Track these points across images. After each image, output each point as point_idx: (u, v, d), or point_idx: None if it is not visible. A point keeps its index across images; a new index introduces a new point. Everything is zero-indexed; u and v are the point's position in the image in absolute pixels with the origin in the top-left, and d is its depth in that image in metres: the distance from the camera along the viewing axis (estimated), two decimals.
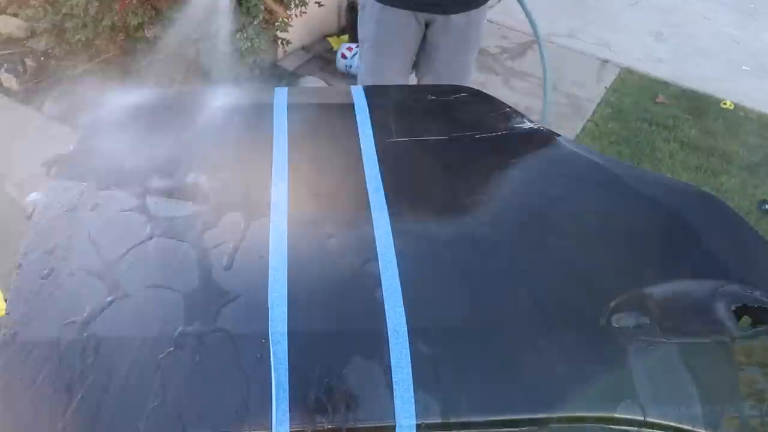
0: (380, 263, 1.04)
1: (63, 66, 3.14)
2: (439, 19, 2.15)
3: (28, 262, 1.02)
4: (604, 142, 3.46)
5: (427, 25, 2.20)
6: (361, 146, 1.29)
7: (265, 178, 1.20)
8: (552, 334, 0.98)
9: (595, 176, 1.30)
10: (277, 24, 3.04)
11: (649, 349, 0.99)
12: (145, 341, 0.92)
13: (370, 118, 1.37)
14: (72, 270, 1.01)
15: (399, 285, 1.01)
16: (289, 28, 3.12)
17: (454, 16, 2.13)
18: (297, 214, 1.13)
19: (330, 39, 3.97)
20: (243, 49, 2.77)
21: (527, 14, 2.32)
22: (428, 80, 2.33)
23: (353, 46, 3.65)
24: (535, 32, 2.38)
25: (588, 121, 3.64)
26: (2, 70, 3.34)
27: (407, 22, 2.15)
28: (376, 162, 1.25)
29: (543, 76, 2.49)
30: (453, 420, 0.90)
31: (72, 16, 2.76)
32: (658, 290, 1.07)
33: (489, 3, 2.21)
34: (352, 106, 1.42)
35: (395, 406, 0.88)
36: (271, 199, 1.15)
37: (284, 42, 3.21)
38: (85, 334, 0.92)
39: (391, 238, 1.08)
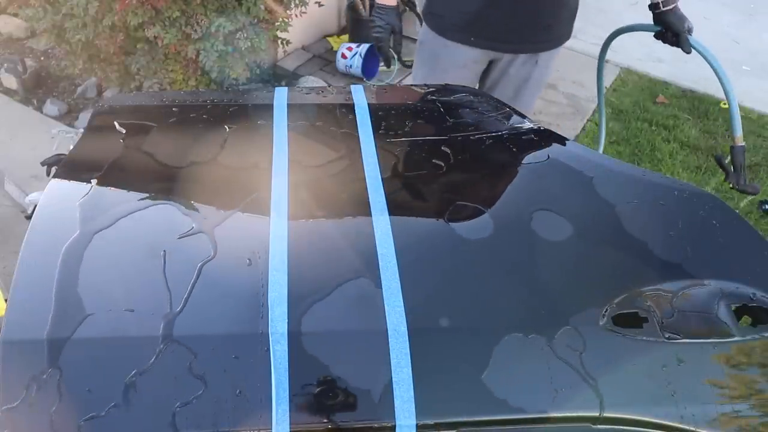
0: (380, 263, 1.04)
1: (63, 66, 3.14)
2: (506, 57, 1.97)
3: (28, 262, 1.02)
4: (603, 141, 3.46)
5: (490, 63, 2.01)
6: (361, 146, 1.29)
7: (265, 178, 1.20)
8: (552, 333, 0.98)
9: (596, 176, 1.29)
10: (277, 24, 3.04)
11: (648, 348, 0.99)
12: (145, 341, 0.92)
13: (371, 117, 1.37)
14: (71, 270, 1.01)
15: (399, 285, 1.01)
16: (289, 28, 3.12)
17: (522, 56, 1.96)
18: (297, 214, 1.13)
19: (330, 39, 3.97)
20: (243, 48, 2.77)
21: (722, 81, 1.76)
22: None
23: (353, 45, 3.65)
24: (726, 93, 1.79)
25: (588, 121, 3.64)
26: (2, 70, 3.35)
27: (472, 59, 1.96)
28: (376, 162, 1.25)
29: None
30: (453, 420, 0.90)
31: (72, 16, 2.76)
32: (659, 290, 1.07)
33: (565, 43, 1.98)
34: (352, 105, 1.42)
35: (395, 406, 0.88)
36: (271, 199, 1.15)
37: (284, 42, 3.21)
38: (84, 334, 0.92)
39: (391, 237, 1.08)
